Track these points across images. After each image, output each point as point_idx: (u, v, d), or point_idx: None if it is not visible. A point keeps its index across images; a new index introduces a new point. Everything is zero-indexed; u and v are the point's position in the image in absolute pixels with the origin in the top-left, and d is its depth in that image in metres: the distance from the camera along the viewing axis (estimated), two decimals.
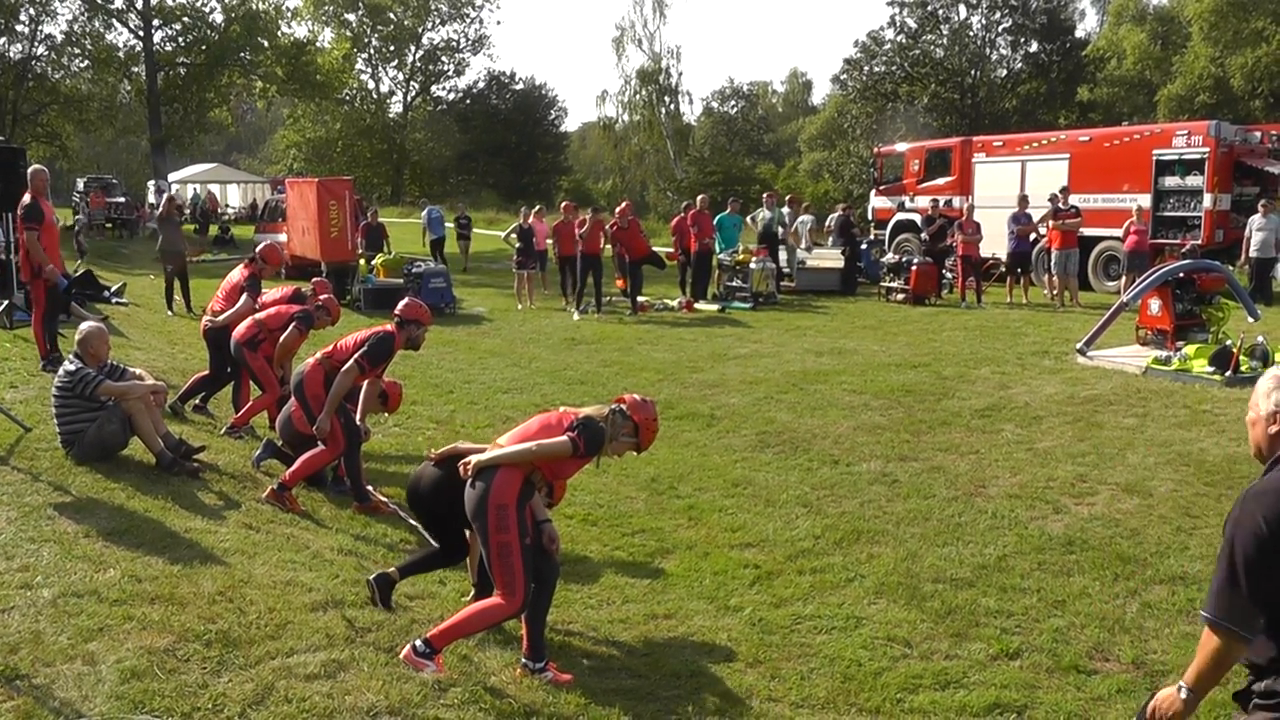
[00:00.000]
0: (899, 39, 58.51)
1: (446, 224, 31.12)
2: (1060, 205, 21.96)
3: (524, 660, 5.80)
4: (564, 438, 5.63)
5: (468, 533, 6.20)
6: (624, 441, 5.86)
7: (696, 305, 22.11)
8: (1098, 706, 5.56)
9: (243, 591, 6.05)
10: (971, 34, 57.53)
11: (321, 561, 6.94)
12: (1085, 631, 6.43)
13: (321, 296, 10.91)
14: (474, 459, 5.70)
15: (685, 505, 8.90)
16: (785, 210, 25.75)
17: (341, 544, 7.57)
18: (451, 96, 75.73)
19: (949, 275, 23.82)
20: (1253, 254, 21.95)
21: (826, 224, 27.04)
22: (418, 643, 5.52)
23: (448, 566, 6.84)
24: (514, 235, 23.31)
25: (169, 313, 20.40)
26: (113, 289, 20.60)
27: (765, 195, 26.61)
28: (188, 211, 51.36)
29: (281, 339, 10.16)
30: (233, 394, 11.39)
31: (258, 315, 10.57)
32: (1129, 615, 6.65)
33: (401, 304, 8.64)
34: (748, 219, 25.21)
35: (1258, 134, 24.28)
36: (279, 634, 5.59)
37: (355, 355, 8.38)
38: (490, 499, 5.55)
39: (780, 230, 24.93)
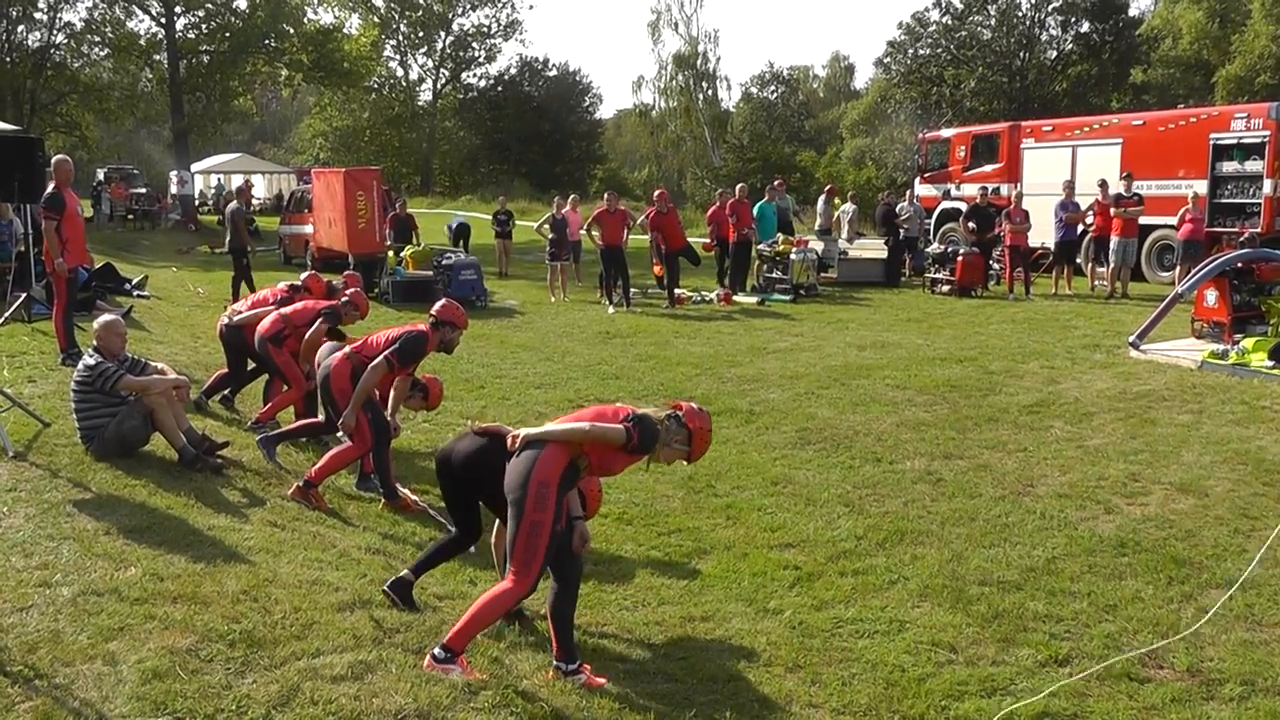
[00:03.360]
0: (944, 20, 57.42)
1: (482, 219, 30.78)
2: (1124, 192, 21.51)
3: (556, 663, 5.64)
4: (619, 426, 5.51)
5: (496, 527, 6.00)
6: (675, 449, 5.73)
7: (735, 297, 21.81)
8: (1151, 716, 5.36)
9: (268, 591, 5.92)
10: (1020, 14, 56.34)
11: (349, 560, 6.81)
12: (1138, 637, 6.21)
13: (349, 291, 10.78)
14: (525, 430, 5.57)
15: (723, 504, 8.73)
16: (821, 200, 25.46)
17: (369, 542, 7.45)
18: (483, 84, 75.02)
19: (996, 266, 23.43)
20: None
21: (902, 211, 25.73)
22: (436, 650, 5.41)
23: (460, 553, 6.66)
24: (547, 226, 23.12)
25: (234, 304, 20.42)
26: (134, 281, 20.49)
27: (775, 183, 26.21)
28: (211, 203, 51.61)
29: (307, 335, 10.05)
30: (265, 390, 11.26)
31: (283, 310, 10.48)
32: (1184, 621, 6.41)
33: (439, 305, 8.54)
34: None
35: None
36: (305, 634, 5.46)
37: (386, 352, 8.28)
38: (534, 473, 5.42)
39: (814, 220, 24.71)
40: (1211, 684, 5.70)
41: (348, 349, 8.72)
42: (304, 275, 11.91)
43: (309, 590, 6.03)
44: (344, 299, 10.44)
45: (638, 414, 5.61)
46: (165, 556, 6.25)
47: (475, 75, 75.19)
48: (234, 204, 22.23)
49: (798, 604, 6.66)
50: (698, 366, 14.39)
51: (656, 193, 22.18)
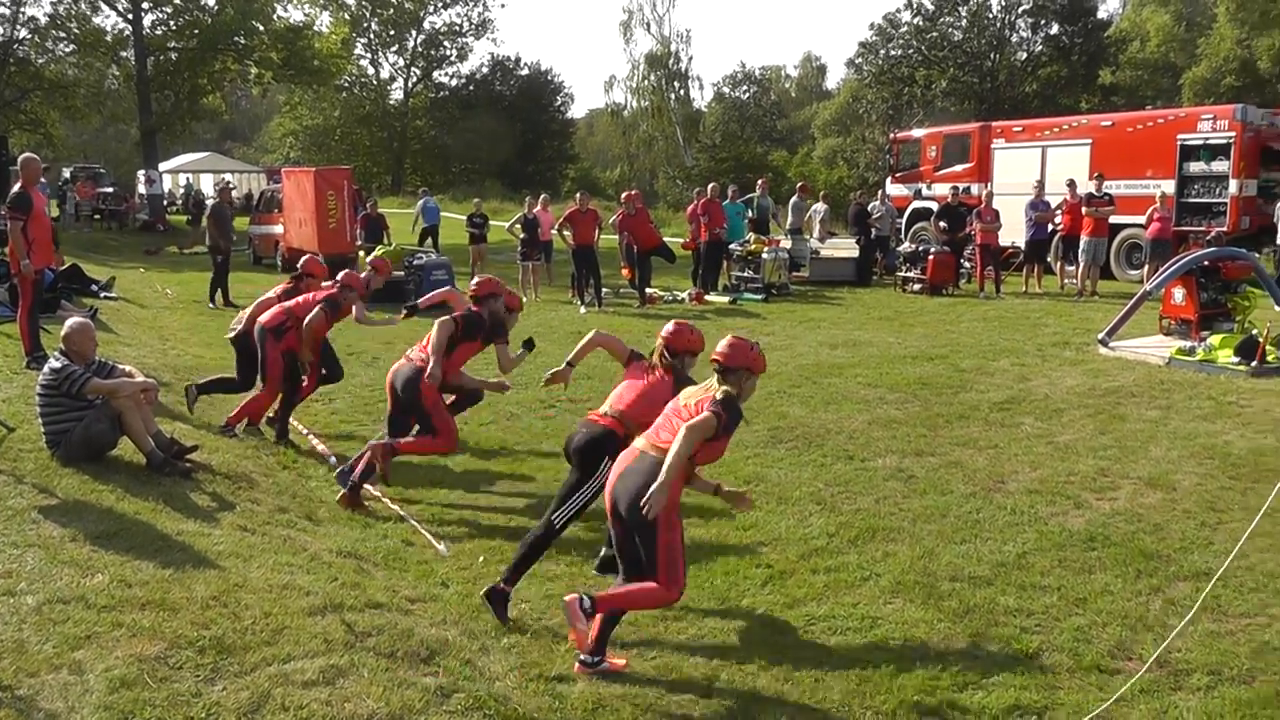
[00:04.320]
0: (916, 21, 57.68)
1: (453, 219, 30.62)
2: (1095, 192, 21.71)
3: (582, 657, 5.80)
4: (708, 416, 5.68)
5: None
6: (749, 386, 6.07)
7: (707, 297, 21.80)
8: (1120, 707, 5.40)
9: (237, 596, 5.87)
10: (991, 16, 56.68)
11: (320, 564, 6.76)
12: (1107, 630, 6.27)
13: (371, 261, 11.18)
14: (654, 498, 5.48)
15: (695, 503, 8.53)
16: (796, 200, 25.42)
17: (340, 546, 7.39)
18: (454, 83, 74.61)
19: (967, 265, 23.54)
20: None
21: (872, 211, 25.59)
22: (584, 598, 5.68)
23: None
24: (519, 226, 23.05)
25: (210, 305, 20.42)
26: (101, 282, 20.29)
27: (759, 182, 26.22)
28: (180, 203, 51.14)
29: (306, 321, 10.07)
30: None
31: (286, 303, 10.48)
32: (1152, 613, 6.49)
33: (474, 281, 9.12)
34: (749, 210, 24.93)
35: None
36: (275, 639, 5.42)
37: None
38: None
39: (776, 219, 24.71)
40: (1179, 674, 5.76)
41: (415, 359, 8.80)
42: (303, 260, 11.75)
43: (279, 595, 5.99)
44: (341, 284, 10.50)
45: (718, 398, 5.78)
46: (133, 562, 6.19)
47: (447, 74, 74.94)
48: (216, 202, 22.00)
49: (770, 602, 6.68)
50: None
51: (625, 194, 22.14)
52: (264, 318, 10.38)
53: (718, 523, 8.23)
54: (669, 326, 6.93)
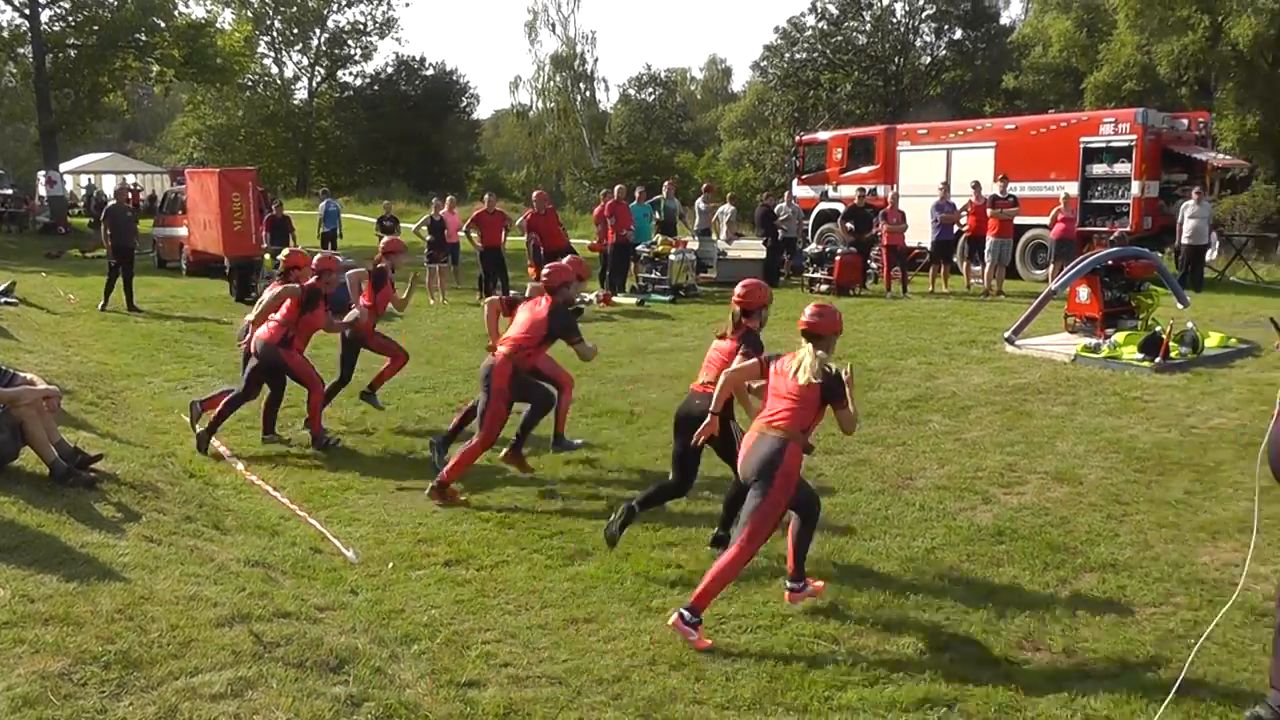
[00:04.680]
0: (821, 25, 58.38)
1: (360, 220, 30.29)
2: (1000, 193, 22.20)
3: (789, 584, 6.72)
4: (750, 363, 6.87)
5: None
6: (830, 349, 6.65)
7: (615, 298, 21.76)
8: (1029, 695, 5.52)
9: (144, 609, 5.74)
10: (895, 20, 57.59)
11: (227, 574, 6.64)
12: (1015, 621, 6.41)
13: (385, 242, 11.82)
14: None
15: (606, 505, 8.67)
16: (703, 202, 25.51)
17: (248, 555, 7.26)
18: (359, 82, 73.26)
19: (874, 265, 23.80)
20: (1185, 241, 22.36)
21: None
22: (684, 612, 6.19)
23: (677, 498, 7.87)
24: (425, 228, 22.88)
25: (101, 308, 20.07)
26: (1, 287, 19.78)
27: (666, 184, 25.97)
28: (82, 204, 49.96)
29: (266, 295, 10.52)
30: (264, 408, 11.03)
31: (274, 316, 10.44)
32: (1059, 603, 6.65)
33: (546, 272, 9.24)
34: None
35: (1185, 121, 24.60)
36: (183, 652, 5.31)
37: (557, 333, 9.06)
38: (784, 465, 6.29)
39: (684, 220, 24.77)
40: (1086, 662, 5.92)
41: (506, 349, 8.96)
42: (284, 254, 11.65)
43: (186, 606, 5.87)
44: (316, 275, 10.75)
45: (744, 335, 7.35)
46: (36, 576, 6.02)
47: (351, 74, 73.66)
48: (113, 203, 21.52)
49: (681, 602, 6.66)
50: (577, 368, 14.13)
51: (535, 194, 22.11)
52: (264, 334, 10.34)
53: (632, 527, 8.21)
54: (739, 288, 7.75)
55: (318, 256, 11.39)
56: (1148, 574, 7.10)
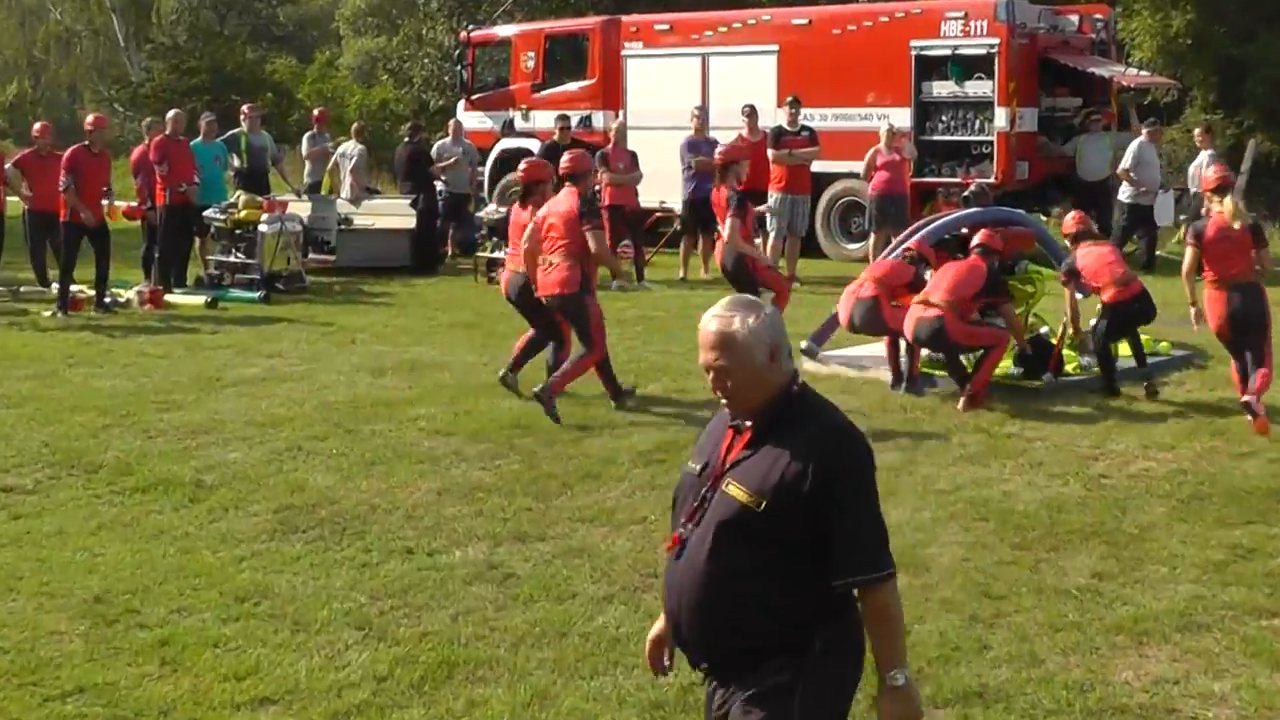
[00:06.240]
0: None
1: None
2: (787, 125, 16.70)
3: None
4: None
5: None
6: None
7: (168, 296, 15.69)
8: None
9: None
10: None
11: None
12: None
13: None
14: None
15: (155, 639, 5.97)
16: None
17: None
18: None
19: None
20: (1125, 198, 17.21)
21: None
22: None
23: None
24: None
25: None
26: None
27: (246, 108, 19.19)
28: None
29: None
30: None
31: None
32: None
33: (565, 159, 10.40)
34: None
35: (1074, 18, 18.96)
36: None
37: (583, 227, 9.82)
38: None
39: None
40: None
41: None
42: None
43: None
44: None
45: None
46: None
47: None
48: None
49: None
50: (106, 412, 10.33)
51: (35, 129, 16.64)
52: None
53: (193, 670, 5.61)
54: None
55: None
56: (1035, 706, 5.23)
